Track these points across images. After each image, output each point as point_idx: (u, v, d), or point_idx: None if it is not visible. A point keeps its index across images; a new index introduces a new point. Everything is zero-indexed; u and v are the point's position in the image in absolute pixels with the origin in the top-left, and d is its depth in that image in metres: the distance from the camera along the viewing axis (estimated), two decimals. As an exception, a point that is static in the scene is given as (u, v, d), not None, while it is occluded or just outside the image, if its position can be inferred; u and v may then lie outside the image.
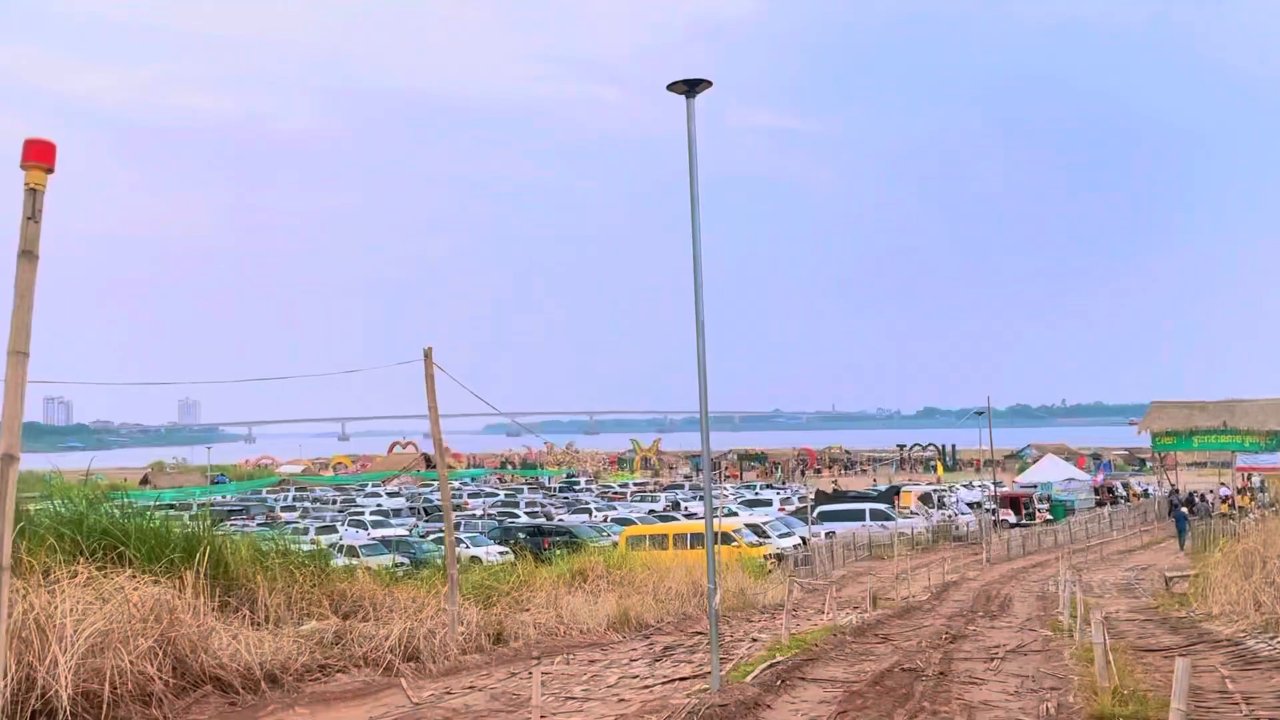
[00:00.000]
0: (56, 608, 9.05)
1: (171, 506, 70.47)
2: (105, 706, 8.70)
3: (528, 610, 17.82)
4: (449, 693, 11.59)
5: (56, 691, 8.38)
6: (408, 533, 54.38)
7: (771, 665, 13.26)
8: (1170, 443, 57.26)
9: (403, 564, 42.79)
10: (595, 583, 23.65)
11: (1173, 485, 62.07)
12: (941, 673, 13.18)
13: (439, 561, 37.64)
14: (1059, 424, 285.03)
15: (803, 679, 12.70)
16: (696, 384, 11.35)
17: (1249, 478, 57.38)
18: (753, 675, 12.32)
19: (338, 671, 11.45)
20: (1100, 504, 62.63)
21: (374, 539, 48.83)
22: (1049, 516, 57.84)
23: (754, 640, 17.86)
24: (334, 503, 72.04)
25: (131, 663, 8.94)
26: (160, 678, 9.11)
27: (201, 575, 11.18)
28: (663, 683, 12.82)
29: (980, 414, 54.40)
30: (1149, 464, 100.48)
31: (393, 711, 10.43)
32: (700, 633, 20.19)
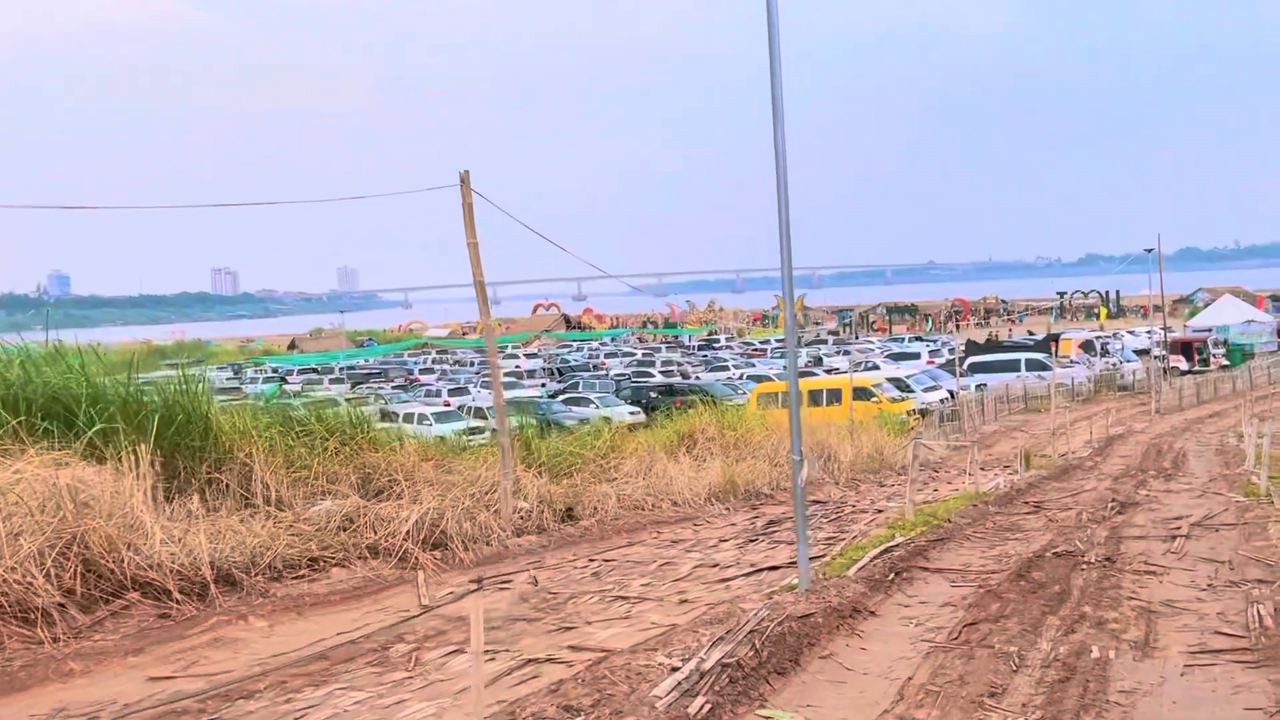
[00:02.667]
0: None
1: (315, 369, 71.08)
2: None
3: (614, 480, 15.42)
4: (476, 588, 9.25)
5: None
6: (539, 394, 53.03)
7: (886, 551, 10.53)
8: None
9: (530, 426, 41.45)
10: (706, 445, 21.22)
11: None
12: (1108, 558, 10.25)
13: (568, 424, 35.94)
14: (1232, 266, 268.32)
15: (925, 569, 9.96)
16: (778, 239, 8.58)
17: None
18: (858, 566, 9.63)
19: (335, 566, 9.24)
20: (1284, 348, 57.14)
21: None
22: (1225, 362, 52.91)
23: (879, 512, 15.16)
24: (472, 364, 71.31)
25: (9, 570, 6.85)
26: (54, 588, 7.01)
27: (154, 452, 9.01)
28: (747, 573, 10.27)
29: (1150, 251, 49.39)
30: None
31: (385, 617, 8.15)
32: (818, 501, 17.57)
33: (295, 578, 8.87)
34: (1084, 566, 9.89)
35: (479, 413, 43.74)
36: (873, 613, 8.26)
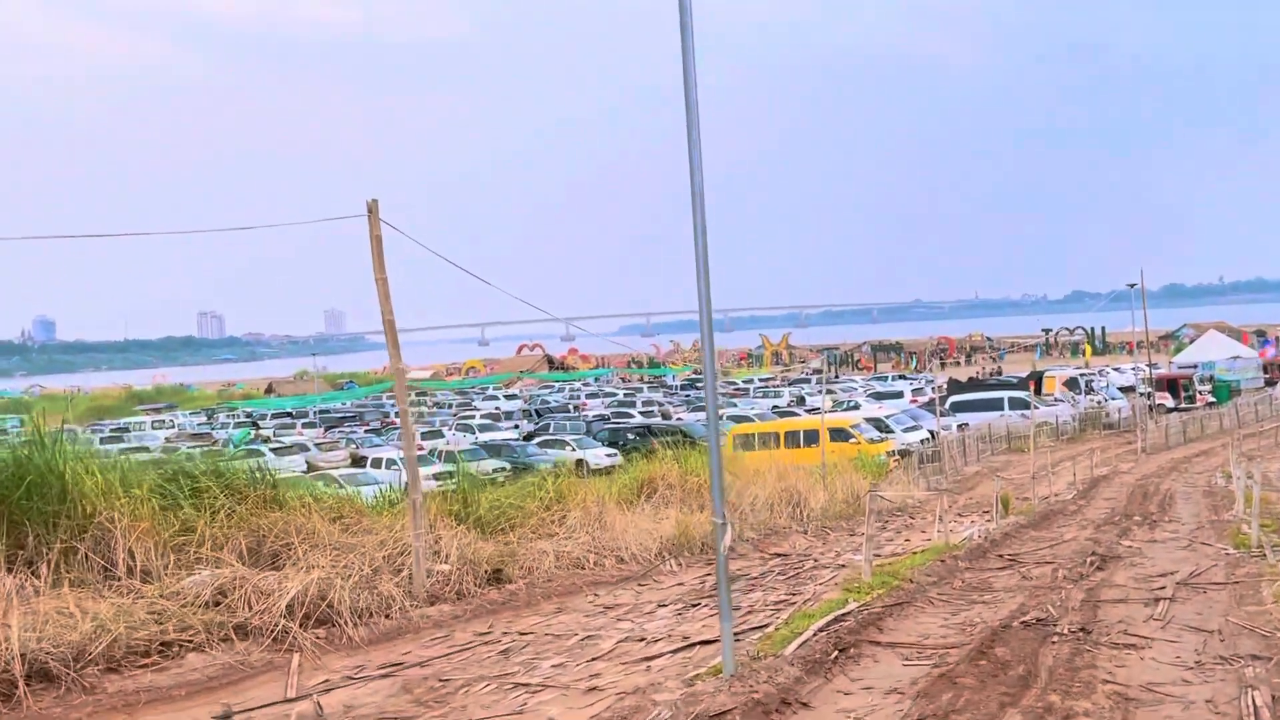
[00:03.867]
0: None
1: (289, 414, 69.70)
2: None
3: (554, 535, 14.19)
4: (354, 676, 8.01)
5: None
6: (515, 436, 51.81)
7: (835, 620, 9.33)
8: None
9: (503, 469, 40.22)
10: (666, 493, 19.98)
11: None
12: (1083, 627, 9.05)
13: (543, 467, 34.70)
14: (1217, 302, 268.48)
15: (876, 643, 8.74)
16: (695, 283, 7.50)
17: None
18: (799, 641, 8.42)
19: (192, 651, 7.99)
20: (1270, 383, 56.12)
21: (475, 444, 46.25)
22: (1212, 399, 51.88)
23: (842, 567, 13.94)
24: (450, 406, 70.08)
25: None
26: None
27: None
28: (677, 648, 9.04)
29: (1133, 287, 48.45)
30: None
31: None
32: (780, 554, 16.36)
33: (140, 667, 7.64)
34: (1055, 639, 8.69)
35: (450, 456, 42.58)
36: (805, 704, 7.05)
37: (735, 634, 9.22)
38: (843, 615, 9.59)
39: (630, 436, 47.18)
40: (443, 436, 50.55)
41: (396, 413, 59.99)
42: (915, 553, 15.34)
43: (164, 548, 9.42)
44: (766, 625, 9.76)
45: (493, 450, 44.80)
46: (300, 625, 8.72)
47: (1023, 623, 9.25)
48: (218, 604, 8.74)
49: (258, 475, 11.59)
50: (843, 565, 14.21)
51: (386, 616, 9.66)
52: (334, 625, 9.04)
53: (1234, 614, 9.43)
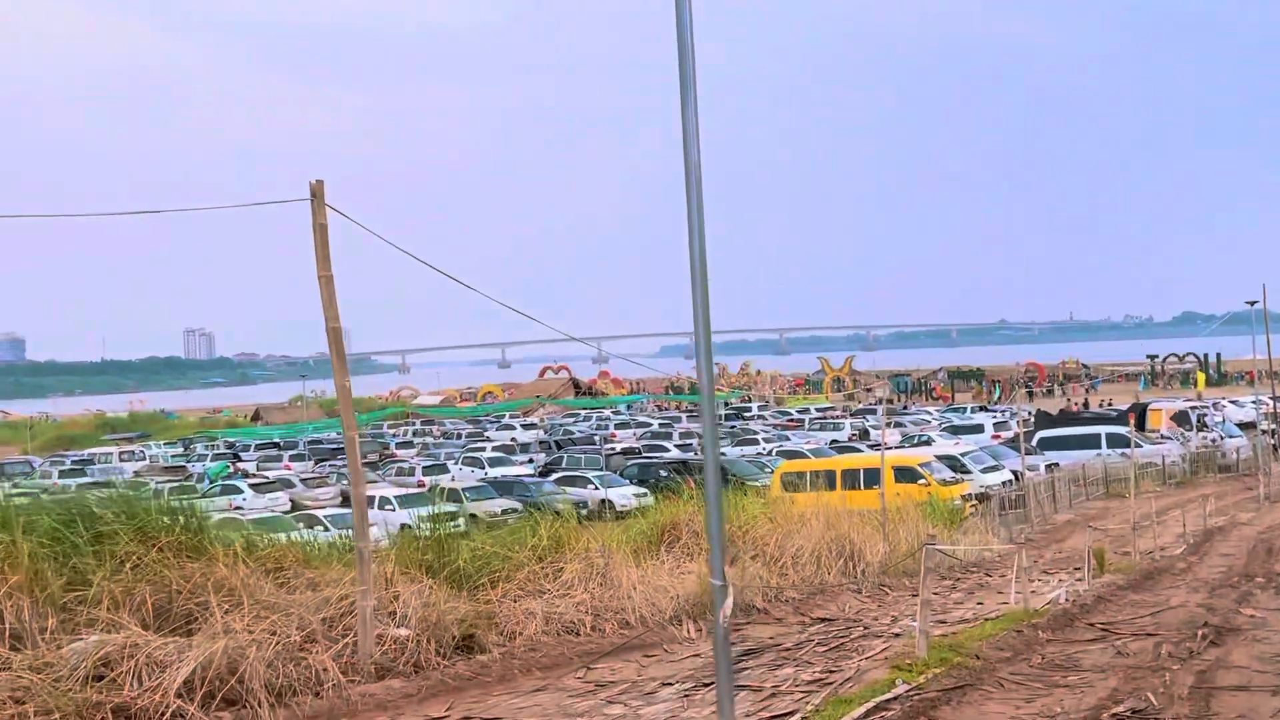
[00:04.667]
0: None
1: (276, 444, 69.51)
2: None
3: (546, 593, 13.36)
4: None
5: None
6: (531, 471, 51.11)
7: (878, 708, 8.43)
8: None
9: (513, 510, 39.51)
10: (691, 541, 19.13)
11: None
12: (1192, 726, 8.10)
13: (560, 507, 33.95)
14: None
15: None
16: (693, 301, 6.76)
17: None
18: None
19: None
20: None
21: (483, 480, 45.60)
22: (1350, 437, 50.27)
23: (897, 636, 13.00)
24: (459, 437, 69.54)
25: None
26: None
27: None
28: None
29: (1254, 305, 47.03)
30: None
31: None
32: (824, 619, 15.43)
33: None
34: (1157, 741, 7.75)
35: (454, 495, 41.94)
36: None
37: (751, 724, 8.38)
38: (887, 702, 8.69)
39: (663, 474, 46.32)
40: (446, 472, 49.92)
41: (397, 444, 59.71)
42: (988, 619, 14.39)
43: (45, 605, 8.69)
44: (792, 714, 8.88)
45: (503, 488, 44.15)
46: (200, 707, 7.95)
47: (1114, 716, 8.31)
48: (99, 678, 7.99)
49: (180, 517, 10.85)
50: (898, 634, 13.28)
51: (316, 695, 8.86)
52: (245, 707, 8.26)
53: (1387, 709, 8.44)
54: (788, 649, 12.65)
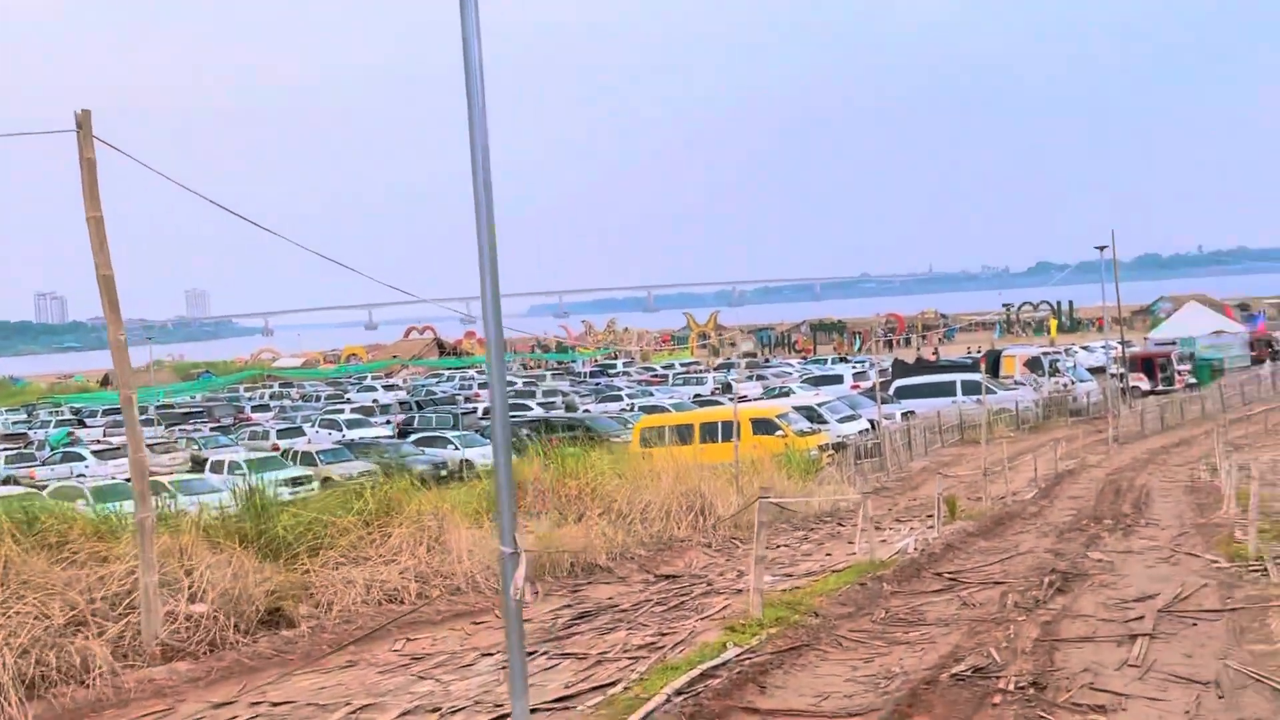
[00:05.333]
0: None
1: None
2: None
3: (369, 560, 12.46)
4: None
5: None
6: (391, 433, 49.80)
7: (702, 677, 7.76)
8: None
9: (370, 473, 38.29)
10: (537, 500, 18.40)
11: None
12: (1035, 682, 7.58)
13: (419, 468, 32.86)
14: (1196, 274, 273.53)
15: (752, 711, 7.18)
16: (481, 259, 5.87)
17: None
18: (639, 714, 6.83)
19: None
20: (1257, 361, 56.04)
21: (339, 443, 44.20)
22: (1192, 380, 51.54)
23: (738, 594, 12.38)
24: (318, 399, 67.68)
25: None
26: None
27: None
28: (478, 725, 7.41)
29: (1103, 249, 47.72)
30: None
31: None
32: (669, 576, 14.80)
33: None
34: (997, 699, 7.21)
35: (308, 458, 40.55)
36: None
37: (568, 696, 7.67)
38: (715, 668, 8.02)
39: (524, 432, 45.43)
40: (303, 435, 48.35)
41: (253, 407, 57.52)
42: (835, 572, 13.89)
43: None
44: (615, 684, 8.16)
45: (360, 450, 42.82)
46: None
47: (954, 676, 7.75)
48: None
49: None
50: (741, 590, 12.69)
51: (82, 684, 7.87)
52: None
53: (1235, 655, 8.03)
54: (625, 610, 11.97)
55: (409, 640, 10.45)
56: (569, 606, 12.33)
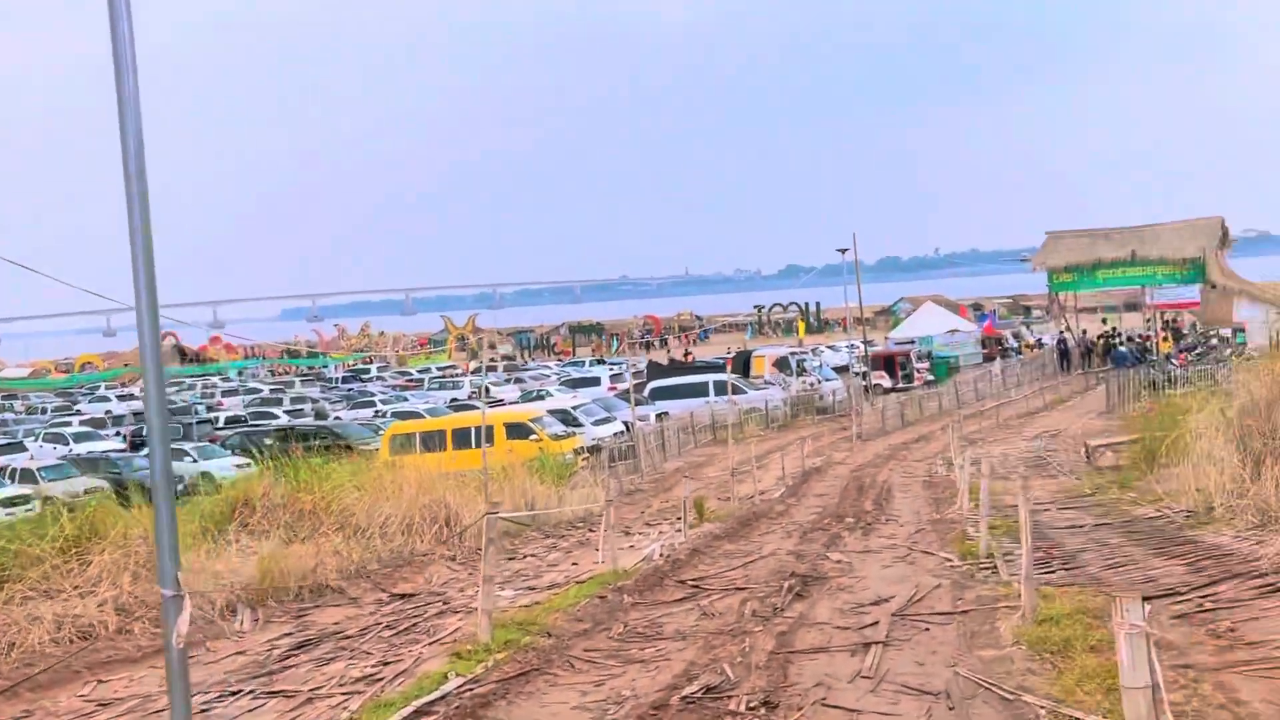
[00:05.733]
0: None
1: None
2: None
3: (61, 593, 11.29)
4: None
5: None
6: (123, 446, 47.00)
7: (418, 713, 7.11)
8: (1070, 280, 52.85)
9: (98, 489, 35.90)
10: (268, 517, 17.32)
11: (1062, 331, 58.11)
12: (767, 700, 7.24)
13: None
14: (934, 276, 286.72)
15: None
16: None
17: (1162, 316, 54.07)
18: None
19: None
20: (989, 359, 58.71)
21: (63, 458, 41.36)
22: (930, 377, 53.58)
23: (473, 613, 11.74)
24: (44, 411, 63.52)
25: None
26: None
27: None
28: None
29: (844, 252, 49.11)
30: (1035, 313, 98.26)
31: None
32: (404, 595, 14.04)
33: None
34: (728, 721, 6.81)
35: (28, 475, 37.78)
36: None
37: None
38: (432, 703, 7.39)
39: (268, 442, 43.58)
40: (24, 450, 45.07)
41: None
42: (578, 583, 13.43)
43: None
44: (323, 725, 7.43)
45: (88, 465, 40.17)
46: None
47: (685, 699, 7.34)
48: None
49: None
50: (472, 610, 12.06)
51: None
52: None
53: (965, 662, 7.89)
54: (351, 636, 11.18)
55: (100, 683, 9.44)
56: (290, 635, 11.46)
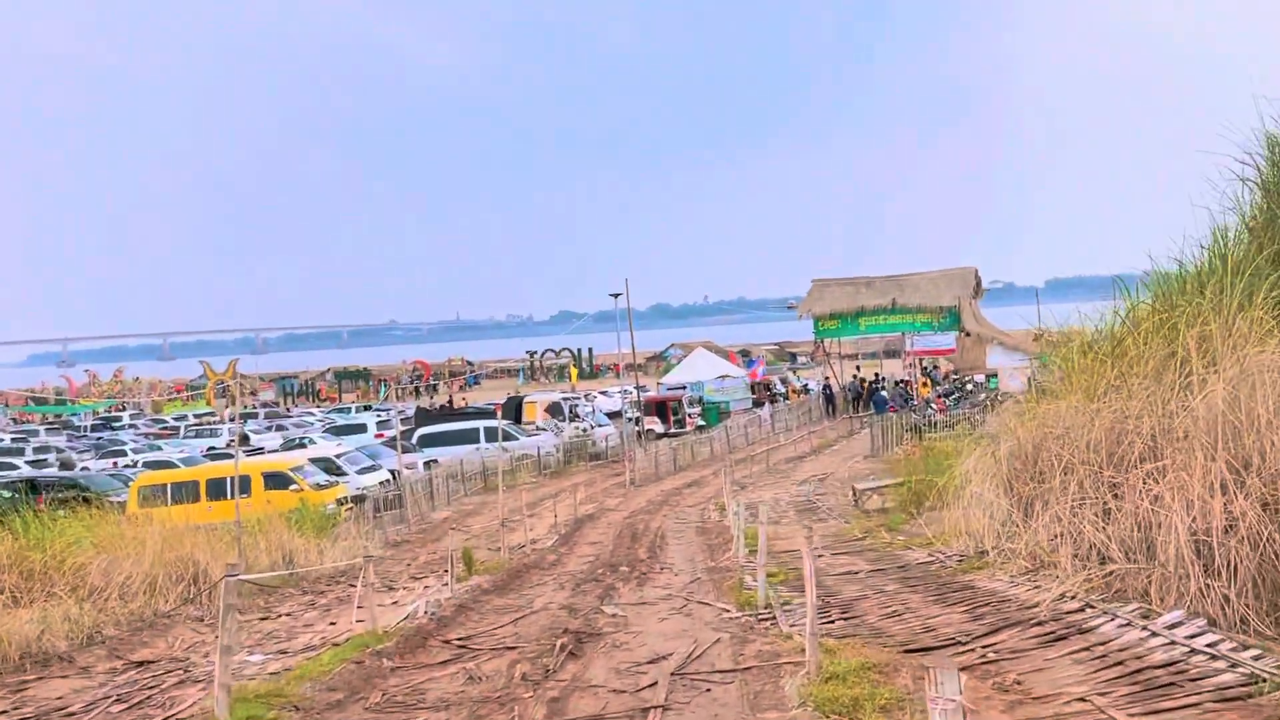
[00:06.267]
0: None
1: None
2: None
3: None
4: None
5: None
6: None
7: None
8: (834, 327, 54.30)
9: None
10: (-12, 582, 15.69)
11: (827, 378, 59.63)
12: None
13: None
14: (703, 323, 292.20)
15: None
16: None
17: (920, 362, 55.98)
18: None
19: None
20: (758, 404, 59.59)
21: None
22: (701, 422, 53.94)
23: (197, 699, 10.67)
24: None
25: None
26: None
27: None
28: None
29: (616, 297, 49.08)
30: (800, 359, 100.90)
31: None
32: (141, 663, 12.80)
33: None
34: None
35: None
36: None
37: None
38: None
39: (5, 494, 40.50)
40: None
41: None
42: (335, 645, 12.47)
43: None
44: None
45: None
46: None
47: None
48: None
49: None
50: (205, 686, 11.00)
51: None
52: None
53: (747, 726, 7.40)
54: (74, 713, 9.99)
55: None
56: (4, 714, 10.18)
